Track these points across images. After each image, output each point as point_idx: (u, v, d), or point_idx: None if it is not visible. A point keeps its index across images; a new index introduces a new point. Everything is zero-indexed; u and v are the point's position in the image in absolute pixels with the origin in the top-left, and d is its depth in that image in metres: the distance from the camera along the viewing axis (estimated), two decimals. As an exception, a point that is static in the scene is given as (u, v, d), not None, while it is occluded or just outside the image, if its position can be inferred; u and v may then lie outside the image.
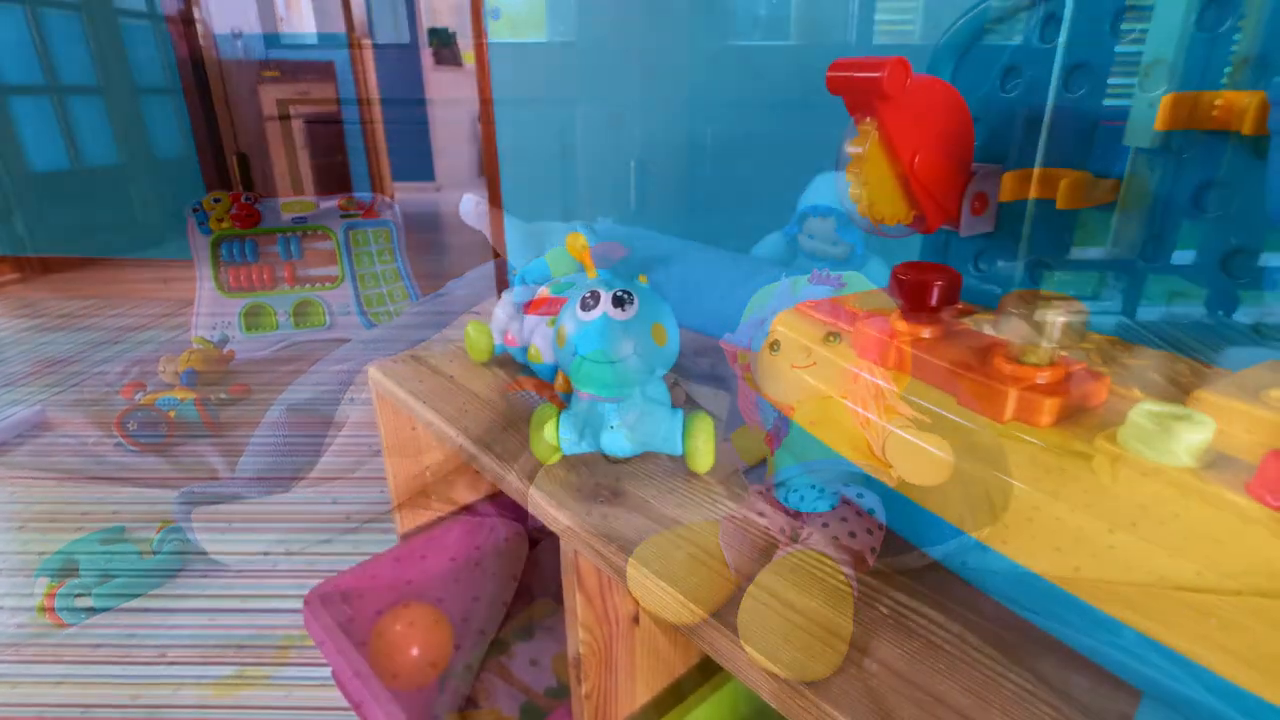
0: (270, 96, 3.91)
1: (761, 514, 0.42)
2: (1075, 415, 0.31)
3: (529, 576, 0.91)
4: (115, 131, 3.56)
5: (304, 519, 1.35)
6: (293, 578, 1.22)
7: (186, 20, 3.97)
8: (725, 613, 0.38)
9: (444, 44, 5.75)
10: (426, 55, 5.30)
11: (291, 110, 4.04)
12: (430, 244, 3.80)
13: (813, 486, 0.39)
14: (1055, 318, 0.31)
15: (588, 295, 0.45)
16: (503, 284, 1.63)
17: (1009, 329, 0.32)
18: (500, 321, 0.71)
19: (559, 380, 0.56)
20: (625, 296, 0.45)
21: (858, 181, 0.38)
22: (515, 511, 0.85)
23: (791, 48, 0.90)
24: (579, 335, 0.45)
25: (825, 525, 0.39)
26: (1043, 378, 0.31)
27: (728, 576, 0.39)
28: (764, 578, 0.37)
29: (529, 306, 0.68)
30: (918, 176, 0.39)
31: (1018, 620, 0.35)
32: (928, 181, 0.39)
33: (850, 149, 0.39)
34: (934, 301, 0.35)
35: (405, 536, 0.80)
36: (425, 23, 5.28)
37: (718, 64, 0.96)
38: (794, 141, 0.89)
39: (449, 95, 5.60)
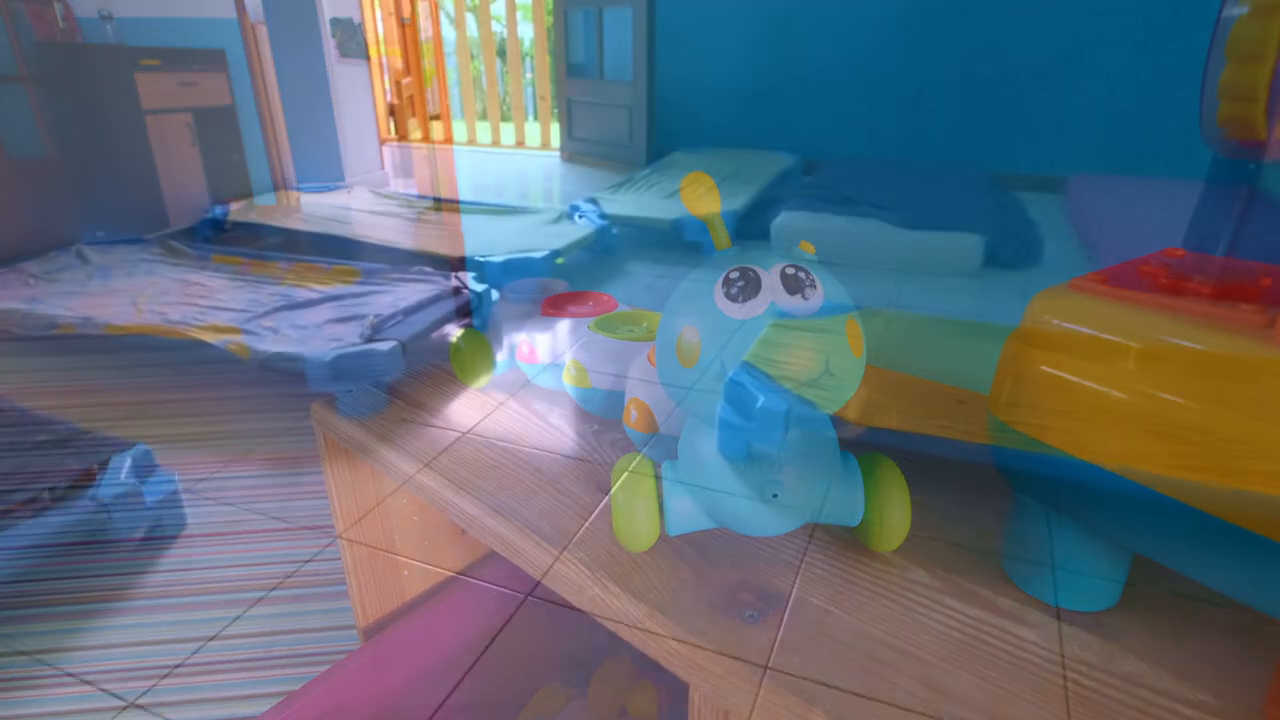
0: (151, 88, 3.44)
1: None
2: None
3: (524, 650, 0.71)
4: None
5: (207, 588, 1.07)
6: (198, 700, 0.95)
7: (42, -1, 3.44)
8: None
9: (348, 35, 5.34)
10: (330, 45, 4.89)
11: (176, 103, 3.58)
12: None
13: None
14: None
15: (735, 275, 0.26)
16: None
17: None
18: (501, 326, 0.51)
19: (630, 415, 0.37)
20: (803, 276, 0.26)
21: (1252, 60, 0.21)
22: (511, 575, 0.64)
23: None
24: (728, 342, 0.26)
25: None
26: None
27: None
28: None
29: (550, 304, 0.48)
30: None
31: None
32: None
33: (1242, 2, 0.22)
34: None
35: (369, 631, 0.58)
36: (327, 12, 4.86)
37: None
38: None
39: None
